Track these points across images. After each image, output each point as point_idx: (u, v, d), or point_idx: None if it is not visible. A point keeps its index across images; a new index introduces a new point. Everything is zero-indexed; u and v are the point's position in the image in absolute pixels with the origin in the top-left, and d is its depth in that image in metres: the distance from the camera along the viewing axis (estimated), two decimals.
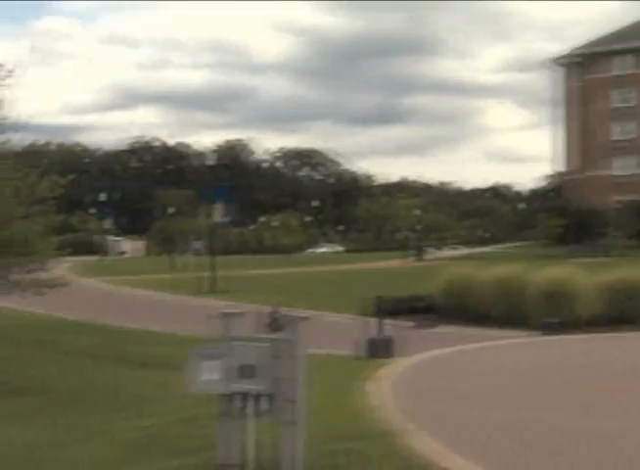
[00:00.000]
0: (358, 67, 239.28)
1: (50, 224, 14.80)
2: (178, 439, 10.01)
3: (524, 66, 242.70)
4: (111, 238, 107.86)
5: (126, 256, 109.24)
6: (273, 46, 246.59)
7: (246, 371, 7.95)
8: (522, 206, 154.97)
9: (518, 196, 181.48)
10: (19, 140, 15.80)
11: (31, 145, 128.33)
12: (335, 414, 11.66)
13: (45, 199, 14.67)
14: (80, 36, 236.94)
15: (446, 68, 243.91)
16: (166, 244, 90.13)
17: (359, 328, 22.94)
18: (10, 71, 14.58)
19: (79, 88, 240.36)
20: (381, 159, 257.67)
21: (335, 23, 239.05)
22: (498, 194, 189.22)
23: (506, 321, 29.12)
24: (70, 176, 15.48)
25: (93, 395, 13.65)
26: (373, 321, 23.01)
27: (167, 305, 37.26)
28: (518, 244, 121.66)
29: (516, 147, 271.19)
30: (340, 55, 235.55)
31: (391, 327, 23.34)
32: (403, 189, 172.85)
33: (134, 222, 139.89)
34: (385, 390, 14.63)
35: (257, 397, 8.02)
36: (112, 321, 26.33)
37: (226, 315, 8.38)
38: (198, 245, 77.91)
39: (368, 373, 16.60)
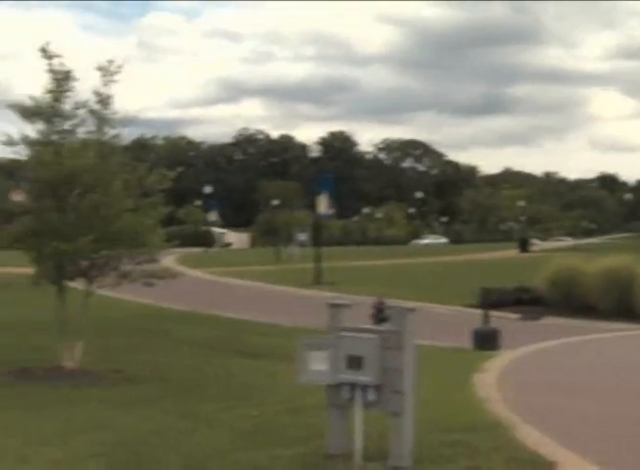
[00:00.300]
0: (462, 56, 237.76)
1: (159, 217, 15.05)
2: (286, 428, 10.13)
3: (630, 53, 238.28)
4: (216, 230, 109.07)
5: (231, 247, 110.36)
6: (375, 37, 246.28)
7: (354, 362, 8.02)
8: (628, 196, 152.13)
9: (624, 186, 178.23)
10: (127, 134, 16.08)
11: (139, 139, 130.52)
12: (441, 406, 11.67)
13: (154, 192, 14.95)
14: (185, 32, 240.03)
15: (551, 56, 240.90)
16: (271, 236, 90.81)
17: (464, 320, 22.88)
18: (119, 67, 14.82)
19: (184, 82, 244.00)
20: (485, 149, 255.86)
21: (438, 12, 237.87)
22: (604, 184, 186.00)
23: (613, 313, 28.73)
24: (179, 169, 15.72)
25: (204, 383, 13.89)
26: (477, 313, 22.87)
27: (273, 296, 37.59)
28: (625, 235, 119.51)
29: (622, 136, 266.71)
30: (443, 45, 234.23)
31: (497, 319, 23.18)
32: (507, 180, 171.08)
33: (239, 214, 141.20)
34: (491, 381, 14.58)
35: (365, 388, 8.09)
36: (219, 312, 26.66)
37: (334, 306, 8.46)
38: (302, 236, 78.33)
39: (474, 365, 16.55)
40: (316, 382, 8.32)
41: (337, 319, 8.37)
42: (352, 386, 8.14)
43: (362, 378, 8.04)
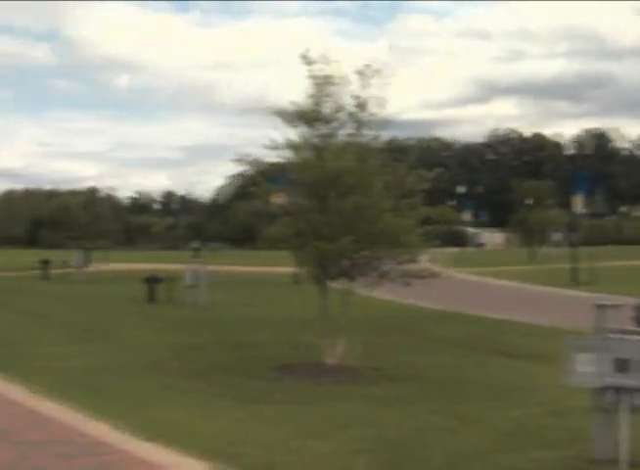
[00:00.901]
0: None
1: (418, 217, 15.19)
2: (549, 430, 10.03)
3: None
4: (470, 230, 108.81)
5: (485, 247, 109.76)
6: (631, 30, 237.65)
7: (620, 365, 7.84)
8: None
9: None
10: (385, 136, 16.28)
11: (393, 140, 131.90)
12: None
13: (413, 192, 15.10)
14: (436, 33, 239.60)
15: None
16: (525, 235, 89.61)
17: None
18: (376, 71, 15.04)
19: (437, 83, 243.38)
20: None
21: None
22: None
23: None
24: (438, 169, 15.78)
25: (463, 383, 13.91)
26: None
27: (529, 296, 37.04)
28: None
29: None
30: None
31: None
32: None
33: (493, 214, 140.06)
34: None
35: (632, 391, 7.89)
36: (474, 311, 26.55)
37: (600, 307, 8.30)
38: (557, 236, 76.98)
39: None
40: (582, 384, 8.19)
41: (603, 320, 8.21)
42: (618, 389, 7.96)
43: (629, 382, 7.85)
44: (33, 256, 52.61)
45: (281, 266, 39.75)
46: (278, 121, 15.21)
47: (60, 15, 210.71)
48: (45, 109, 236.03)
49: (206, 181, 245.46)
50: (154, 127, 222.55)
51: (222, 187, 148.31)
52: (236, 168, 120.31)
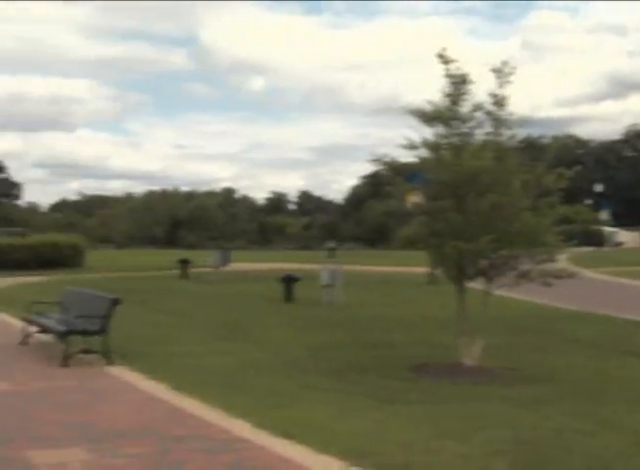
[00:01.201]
0: None
1: (556, 216, 15.01)
2: None
3: None
4: (607, 229, 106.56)
5: (624, 247, 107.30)
6: None
7: None
8: None
9: None
10: (520, 134, 16.09)
11: (527, 139, 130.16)
12: None
13: (551, 191, 14.92)
14: (569, 29, 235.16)
15: None
16: None
17: None
18: (513, 69, 14.92)
19: (571, 80, 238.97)
20: None
21: None
22: None
23: None
24: (576, 168, 15.53)
25: (601, 385, 13.69)
26: None
27: None
28: None
29: None
30: None
31: None
32: None
33: (631, 213, 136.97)
34: None
35: None
36: (611, 312, 26.05)
37: None
38: None
39: None
40: None
41: None
42: None
43: None
44: (172, 255, 53.74)
45: (415, 266, 39.74)
46: (413, 121, 15.23)
47: (196, 20, 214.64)
48: (180, 112, 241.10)
49: (340, 181, 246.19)
50: (286, 128, 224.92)
51: (356, 187, 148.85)
52: (369, 168, 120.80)
